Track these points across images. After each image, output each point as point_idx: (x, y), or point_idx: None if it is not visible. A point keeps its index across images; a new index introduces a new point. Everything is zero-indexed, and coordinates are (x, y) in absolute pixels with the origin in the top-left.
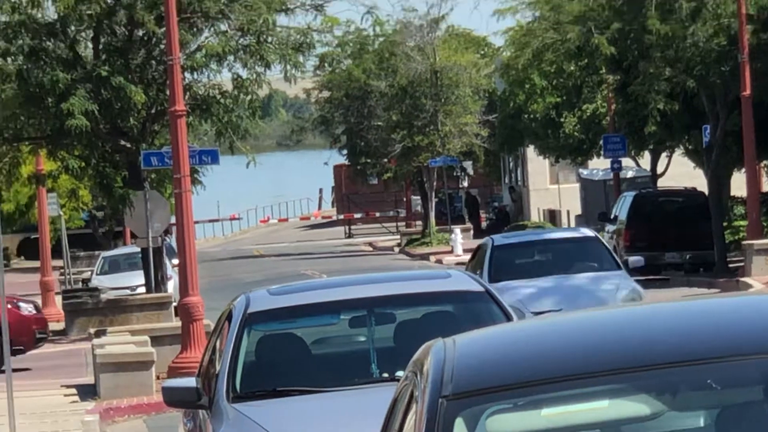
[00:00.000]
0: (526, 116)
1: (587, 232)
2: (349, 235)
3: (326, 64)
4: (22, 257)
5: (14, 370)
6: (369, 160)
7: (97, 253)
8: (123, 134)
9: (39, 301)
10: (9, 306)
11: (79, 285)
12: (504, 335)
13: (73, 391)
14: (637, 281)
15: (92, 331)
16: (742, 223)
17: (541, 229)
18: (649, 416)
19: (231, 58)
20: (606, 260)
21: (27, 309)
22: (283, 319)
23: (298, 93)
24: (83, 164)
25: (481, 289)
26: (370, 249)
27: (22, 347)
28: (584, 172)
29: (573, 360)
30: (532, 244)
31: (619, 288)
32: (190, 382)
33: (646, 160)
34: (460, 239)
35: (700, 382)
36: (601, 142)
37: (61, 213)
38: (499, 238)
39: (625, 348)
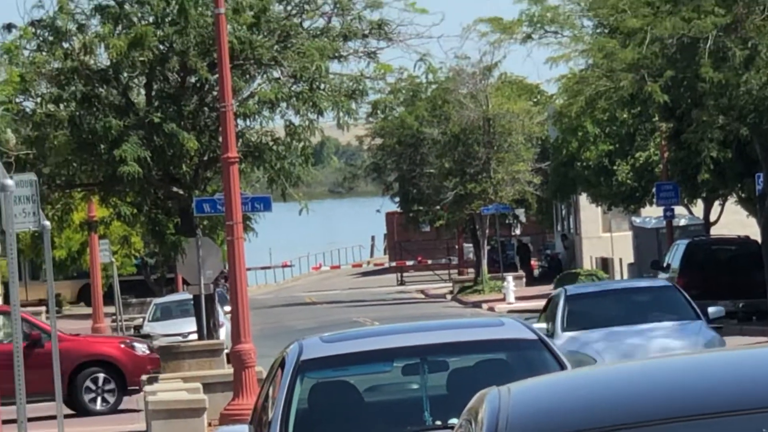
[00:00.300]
0: (578, 164)
1: (664, 281)
2: (401, 283)
3: (379, 111)
4: (83, 303)
5: (119, 411)
6: (421, 208)
7: (149, 299)
8: (175, 181)
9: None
10: (124, 346)
11: (131, 332)
12: (558, 384)
13: None
14: (715, 329)
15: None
16: None
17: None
18: None
19: (283, 104)
20: (684, 310)
21: (141, 349)
22: (336, 367)
23: (351, 140)
24: (135, 211)
25: (535, 337)
26: (422, 296)
27: (137, 387)
28: (637, 220)
29: (628, 408)
30: (608, 294)
31: (698, 338)
32: (243, 429)
33: (698, 208)
34: (513, 287)
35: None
36: (653, 190)
37: (113, 260)
38: (573, 288)
39: (680, 396)
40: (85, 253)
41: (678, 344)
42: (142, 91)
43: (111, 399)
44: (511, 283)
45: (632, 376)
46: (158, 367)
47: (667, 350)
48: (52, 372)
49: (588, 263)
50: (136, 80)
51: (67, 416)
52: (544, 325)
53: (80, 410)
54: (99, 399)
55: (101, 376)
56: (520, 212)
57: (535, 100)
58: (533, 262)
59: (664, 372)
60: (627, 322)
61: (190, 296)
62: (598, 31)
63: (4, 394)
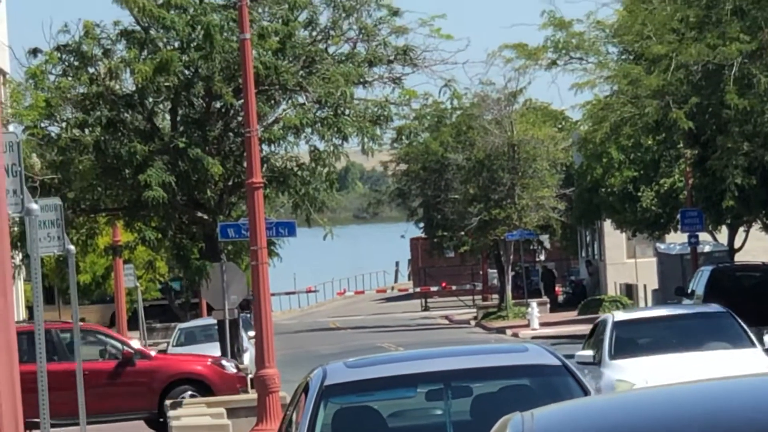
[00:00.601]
0: (603, 190)
1: (718, 306)
2: (426, 308)
3: (403, 137)
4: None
5: None
6: (446, 233)
7: (173, 324)
8: (200, 206)
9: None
10: (213, 364)
11: None
12: (581, 409)
13: None
14: None
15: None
16: None
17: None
18: None
19: (308, 130)
20: (739, 336)
21: (230, 367)
22: (360, 392)
23: (375, 165)
24: (160, 236)
25: (558, 363)
26: (446, 322)
27: None
28: (661, 247)
29: None
30: (657, 320)
31: (754, 366)
32: None
33: (723, 234)
34: (537, 313)
35: None
36: (678, 216)
37: (138, 284)
38: (620, 314)
39: (702, 422)
40: (110, 277)
41: (731, 372)
42: (167, 116)
43: None
44: (535, 309)
45: (656, 402)
46: (245, 385)
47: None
48: (144, 389)
49: (612, 289)
50: (161, 105)
51: None
52: (590, 353)
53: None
54: None
55: (189, 393)
56: (545, 238)
57: (559, 126)
58: (557, 288)
59: (688, 398)
60: (678, 350)
61: (215, 321)
62: (623, 57)
63: (98, 413)
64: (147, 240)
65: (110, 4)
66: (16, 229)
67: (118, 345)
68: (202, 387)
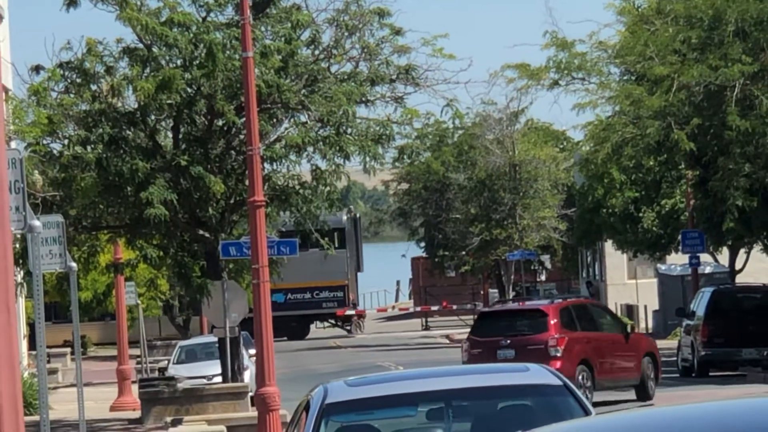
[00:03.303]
0: (604, 210)
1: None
2: (426, 328)
3: (405, 156)
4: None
5: None
6: (447, 253)
7: (173, 342)
8: (202, 224)
9: (115, 389)
10: None
11: (156, 374)
12: (583, 429)
13: None
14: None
15: (168, 420)
16: None
17: None
18: None
19: (310, 149)
20: None
21: None
22: (361, 411)
23: (377, 185)
24: (161, 253)
25: (560, 382)
26: (447, 341)
27: None
28: (662, 268)
29: None
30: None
31: None
32: None
33: (724, 255)
34: None
35: None
36: (679, 237)
37: (139, 302)
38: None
39: None
40: (111, 295)
41: None
42: (170, 134)
43: None
44: None
45: (658, 422)
46: None
47: None
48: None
49: (613, 310)
50: (163, 123)
51: None
52: None
53: None
54: None
55: None
56: (546, 258)
57: (561, 146)
58: None
59: (685, 419)
60: None
61: (215, 339)
62: (625, 78)
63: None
64: (148, 258)
65: (113, 22)
66: (17, 245)
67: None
68: None
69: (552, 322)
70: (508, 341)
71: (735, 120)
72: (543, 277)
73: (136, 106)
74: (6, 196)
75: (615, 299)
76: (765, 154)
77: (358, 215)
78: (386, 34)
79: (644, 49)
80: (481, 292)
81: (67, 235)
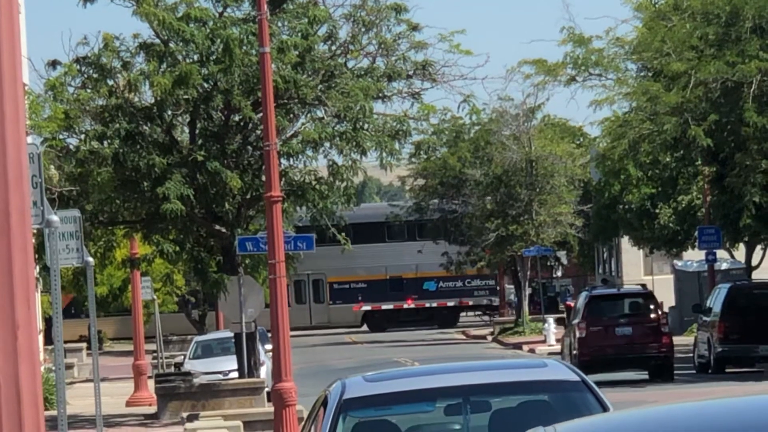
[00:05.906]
0: (621, 207)
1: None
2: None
3: (422, 152)
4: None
5: None
6: (463, 248)
7: (189, 337)
8: (218, 219)
9: (131, 384)
10: None
11: (172, 369)
12: (601, 425)
13: None
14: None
15: (184, 415)
16: None
17: None
18: None
19: (327, 144)
20: None
21: None
22: (379, 406)
23: (393, 180)
24: (178, 248)
25: (578, 378)
26: (463, 337)
27: None
28: (678, 264)
29: None
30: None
31: None
32: None
33: (741, 252)
34: (554, 329)
35: None
36: (696, 233)
37: (155, 297)
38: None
39: None
40: (127, 289)
41: None
42: (186, 129)
43: None
44: (551, 325)
45: (677, 418)
46: None
47: None
48: None
49: None
50: (180, 118)
51: None
52: None
53: None
54: None
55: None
56: (562, 254)
57: (578, 142)
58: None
59: (704, 415)
60: None
61: (231, 334)
62: (642, 74)
63: None
64: (165, 253)
65: (130, 17)
66: (33, 240)
67: None
68: None
69: (660, 302)
70: (626, 320)
71: (752, 116)
72: (559, 273)
73: (152, 101)
74: (27, 191)
75: None
76: None
77: None
78: (403, 29)
79: (661, 45)
80: (497, 288)
81: (84, 230)
